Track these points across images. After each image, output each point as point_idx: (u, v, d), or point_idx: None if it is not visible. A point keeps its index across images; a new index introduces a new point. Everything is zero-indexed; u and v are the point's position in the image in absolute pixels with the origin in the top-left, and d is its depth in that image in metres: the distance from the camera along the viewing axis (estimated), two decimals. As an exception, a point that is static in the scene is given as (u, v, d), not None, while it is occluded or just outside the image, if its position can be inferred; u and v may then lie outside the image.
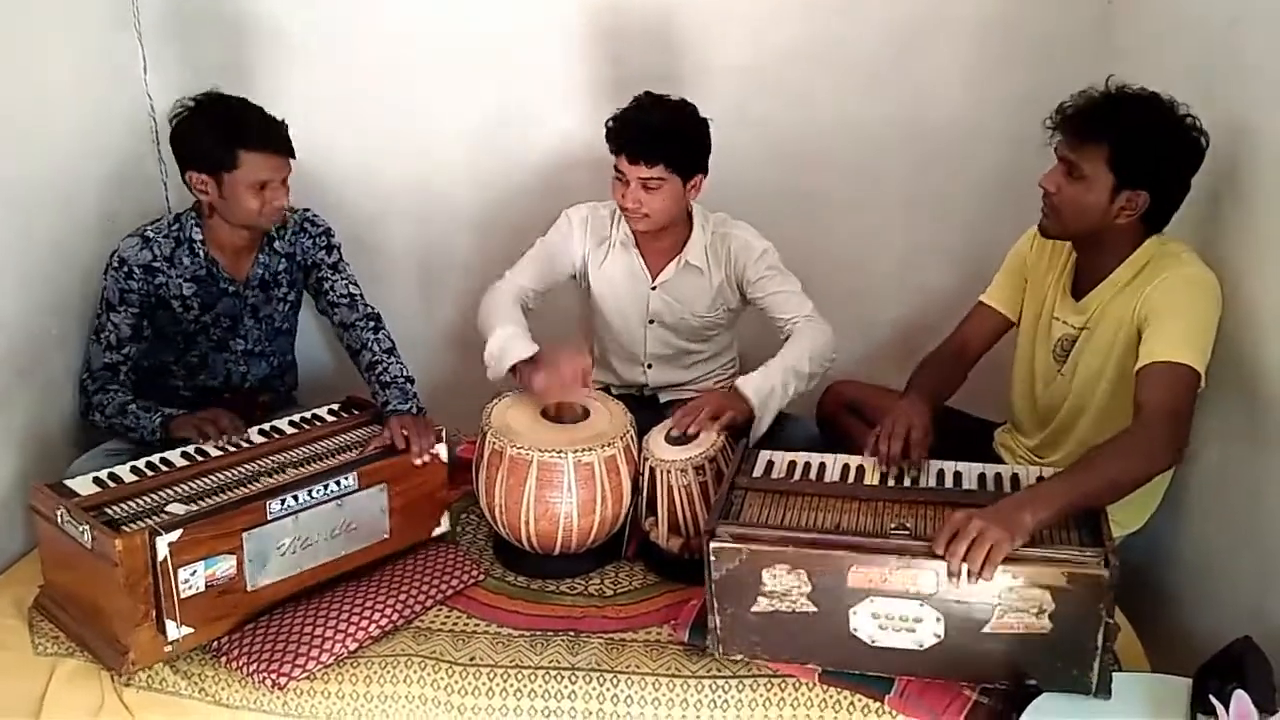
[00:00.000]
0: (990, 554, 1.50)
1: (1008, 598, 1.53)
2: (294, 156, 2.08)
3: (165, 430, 2.01)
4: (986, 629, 1.55)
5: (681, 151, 2.11)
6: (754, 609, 1.62)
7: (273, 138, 2.04)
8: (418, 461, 1.96)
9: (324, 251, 2.26)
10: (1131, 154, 1.74)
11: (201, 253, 2.14)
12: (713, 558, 1.61)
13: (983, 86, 2.49)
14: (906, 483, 1.82)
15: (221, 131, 2.02)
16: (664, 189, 2.12)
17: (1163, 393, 1.69)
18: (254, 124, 2.04)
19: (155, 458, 1.90)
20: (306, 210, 2.27)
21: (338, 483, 1.85)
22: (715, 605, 1.65)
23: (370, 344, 2.20)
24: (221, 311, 2.20)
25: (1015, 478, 1.81)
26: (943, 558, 1.53)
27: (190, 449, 1.94)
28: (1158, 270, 1.80)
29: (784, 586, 1.59)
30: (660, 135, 2.09)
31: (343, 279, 2.27)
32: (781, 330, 2.19)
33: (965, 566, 1.51)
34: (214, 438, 1.97)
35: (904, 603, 1.56)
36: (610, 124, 2.14)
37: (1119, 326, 1.84)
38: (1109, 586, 1.49)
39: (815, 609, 1.60)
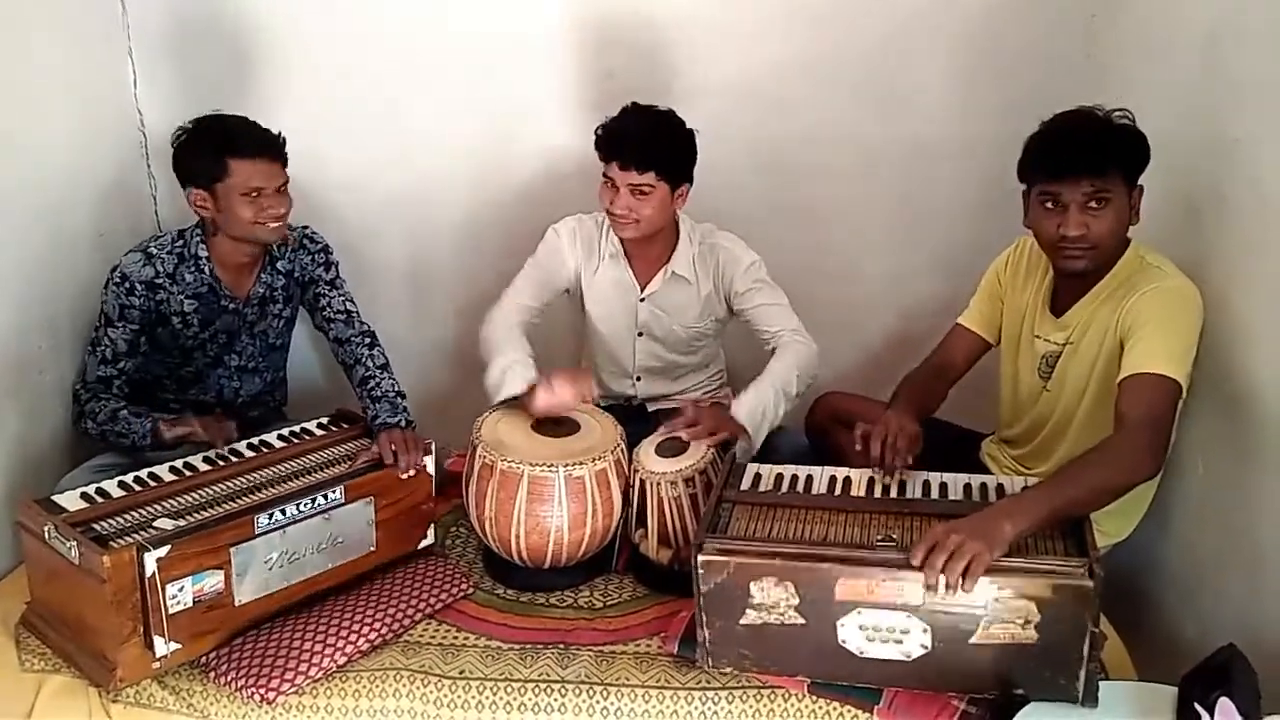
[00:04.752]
0: (970, 566, 1.50)
1: (994, 609, 1.53)
2: (286, 163, 2.08)
3: (155, 435, 2.01)
4: (973, 640, 1.55)
5: (671, 159, 2.14)
6: (742, 621, 1.63)
7: (261, 144, 2.04)
8: (403, 475, 1.96)
9: (322, 268, 2.26)
10: (1136, 157, 1.80)
11: (206, 269, 2.14)
12: (700, 570, 1.61)
13: (969, 99, 2.51)
14: (893, 493, 1.82)
15: (210, 143, 2.04)
16: (653, 196, 2.14)
17: (1144, 403, 1.71)
18: (241, 132, 2.04)
19: (144, 473, 1.89)
20: (305, 227, 2.28)
21: (325, 496, 1.85)
22: (704, 618, 1.65)
23: (364, 359, 2.20)
24: (220, 328, 2.20)
25: (1001, 488, 1.82)
26: (921, 570, 1.53)
27: (178, 463, 1.93)
28: (1138, 283, 1.82)
29: (772, 599, 1.60)
30: (651, 143, 2.12)
31: (339, 295, 2.27)
32: (767, 344, 2.20)
33: (944, 579, 1.51)
34: (204, 436, 1.98)
35: (891, 614, 1.57)
36: (600, 131, 2.16)
37: (1102, 340, 1.85)
38: (1095, 597, 1.50)
39: (803, 621, 1.60)
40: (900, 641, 1.58)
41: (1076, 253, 1.82)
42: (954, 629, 1.56)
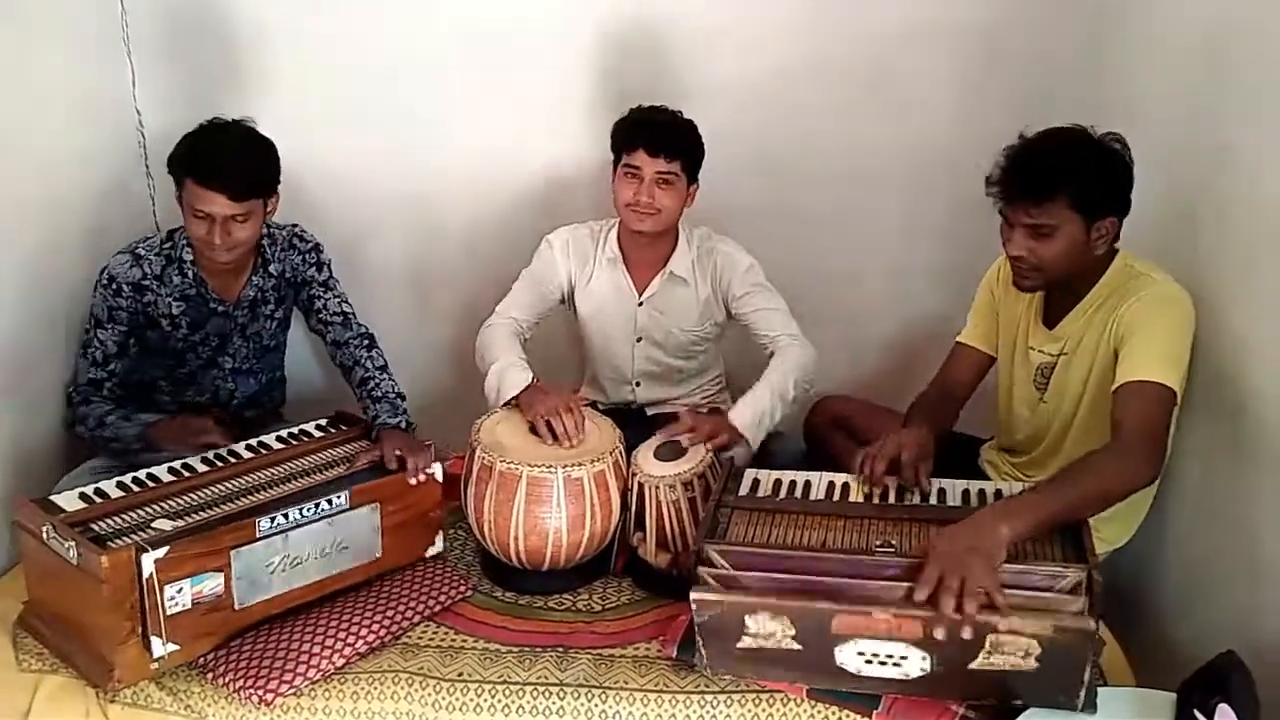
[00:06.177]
0: (985, 595, 1.49)
1: (994, 643, 1.52)
2: (238, 199, 1.98)
3: (143, 440, 2.00)
4: (973, 666, 1.55)
5: (694, 152, 2.17)
6: (739, 645, 1.62)
7: (215, 174, 1.97)
8: (413, 481, 1.94)
9: (314, 269, 2.25)
10: (1091, 191, 1.76)
11: (191, 273, 2.13)
12: (694, 606, 1.60)
13: (971, 103, 2.51)
14: (890, 499, 1.82)
15: (179, 153, 2.02)
16: (675, 187, 2.16)
17: (1139, 411, 1.71)
18: (204, 154, 1.99)
19: (142, 473, 1.89)
20: (294, 226, 2.26)
21: (329, 501, 1.83)
22: (700, 639, 1.65)
23: (363, 361, 2.19)
24: (211, 331, 2.20)
25: (999, 494, 1.81)
26: (929, 605, 1.51)
27: (177, 464, 1.92)
28: (1129, 291, 1.82)
29: (767, 630, 1.59)
30: (679, 131, 2.16)
31: (335, 297, 2.26)
32: (765, 348, 2.20)
33: (961, 616, 1.49)
34: (191, 444, 1.95)
35: (890, 644, 1.56)
36: (626, 121, 2.18)
37: (1095, 349, 1.86)
38: (1096, 635, 1.49)
39: (800, 648, 1.59)
40: (899, 665, 1.57)
41: (1022, 270, 1.84)
42: (954, 657, 1.55)
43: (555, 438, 1.97)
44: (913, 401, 2.11)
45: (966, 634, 1.50)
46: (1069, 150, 1.77)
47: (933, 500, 1.82)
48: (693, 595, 1.60)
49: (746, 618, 1.59)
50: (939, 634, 1.51)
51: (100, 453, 2.11)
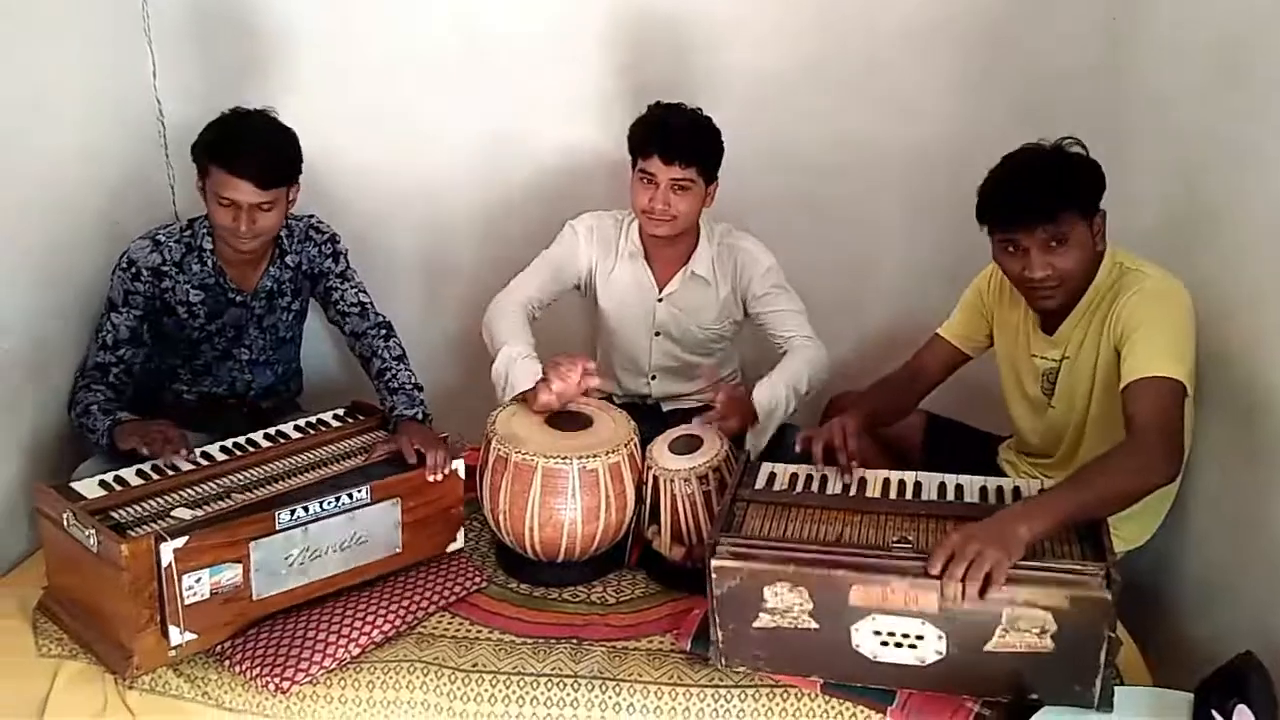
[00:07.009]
0: (990, 574, 1.49)
1: (1010, 618, 1.52)
2: (265, 187, 2.00)
3: (111, 436, 1.96)
4: (989, 647, 1.55)
5: (711, 155, 2.15)
6: (756, 624, 1.62)
7: (242, 161, 1.98)
8: (432, 478, 1.93)
9: (330, 260, 2.25)
10: (1085, 190, 1.79)
11: (210, 261, 2.14)
12: (713, 575, 1.61)
13: (985, 101, 2.49)
14: (908, 495, 1.82)
15: (205, 139, 2.03)
16: (692, 192, 2.14)
17: (1151, 407, 1.69)
18: (230, 141, 2.00)
19: (161, 461, 1.89)
20: (311, 217, 2.26)
21: (350, 495, 1.82)
22: (717, 620, 1.65)
23: (380, 351, 2.19)
24: (227, 321, 2.20)
25: (1017, 491, 1.81)
26: (940, 578, 1.52)
27: (195, 452, 1.93)
28: (1123, 288, 1.82)
29: (785, 604, 1.59)
30: (695, 137, 2.13)
31: (352, 287, 2.26)
32: (779, 348, 2.20)
33: (964, 588, 1.50)
34: (157, 451, 1.88)
35: (906, 620, 1.56)
36: (640, 125, 2.15)
37: (1097, 350, 1.85)
38: (1112, 608, 1.49)
39: (817, 626, 1.60)
40: (915, 647, 1.57)
41: (1045, 292, 1.83)
42: (969, 636, 1.55)
43: (564, 422, 1.99)
44: (877, 380, 2.13)
45: (973, 604, 1.50)
46: (1055, 161, 1.78)
47: (950, 496, 1.81)
48: (713, 563, 1.60)
49: (765, 589, 1.59)
50: (949, 595, 1.51)
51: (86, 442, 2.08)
